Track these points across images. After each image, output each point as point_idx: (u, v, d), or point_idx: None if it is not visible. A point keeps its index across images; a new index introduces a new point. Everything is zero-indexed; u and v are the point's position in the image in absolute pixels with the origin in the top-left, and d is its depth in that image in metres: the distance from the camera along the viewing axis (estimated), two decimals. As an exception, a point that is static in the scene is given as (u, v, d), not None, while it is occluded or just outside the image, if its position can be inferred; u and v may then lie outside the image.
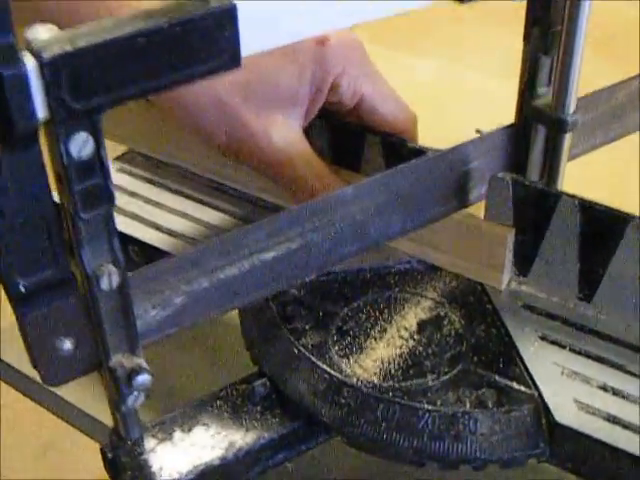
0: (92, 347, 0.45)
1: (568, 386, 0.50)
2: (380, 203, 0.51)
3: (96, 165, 0.39)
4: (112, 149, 0.70)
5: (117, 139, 0.70)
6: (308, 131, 0.59)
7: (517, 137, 0.56)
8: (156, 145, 0.68)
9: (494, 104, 0.61)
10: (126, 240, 0.62)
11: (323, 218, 0.49)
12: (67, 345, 0.44)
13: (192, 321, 0.48)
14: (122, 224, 0.62)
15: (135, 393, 0.46)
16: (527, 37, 0.54)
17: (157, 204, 0.64)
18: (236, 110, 0.55)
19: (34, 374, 0.44)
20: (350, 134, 0.61)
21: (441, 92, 0.95)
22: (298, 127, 0.57)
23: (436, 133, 0.60)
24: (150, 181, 0.67)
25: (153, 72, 0.37)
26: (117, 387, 0.45)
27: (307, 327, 0.55)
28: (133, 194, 0.65)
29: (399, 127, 0.60)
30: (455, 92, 0.96)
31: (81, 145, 0.38)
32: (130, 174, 0.68)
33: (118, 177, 0.67)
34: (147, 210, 0.64)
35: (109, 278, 0.42)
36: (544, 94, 0.55)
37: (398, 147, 0.59)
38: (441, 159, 0.53)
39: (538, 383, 0.50)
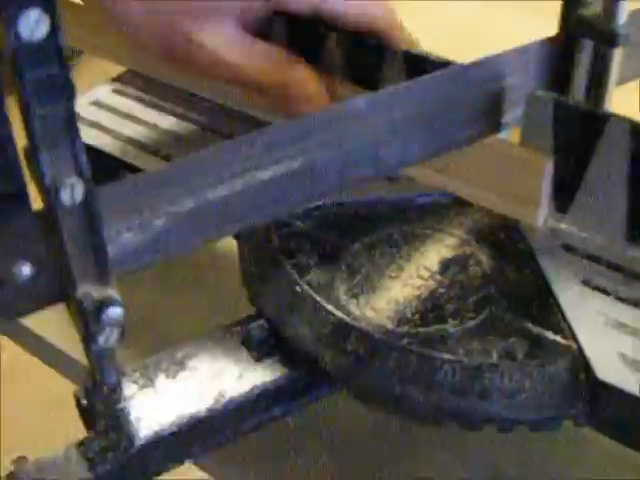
0: (55, 274, 0.39)
1: (612, 338, 0.43)
2: (397, 119, 0.44)
3: (51, 50, 0.33)
4: (111, 70, 0.64)
5: (115, 59, 0.63)
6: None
7: (559, 51, 0.49)
8: (156, 65, 0.61)
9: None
10: (118, 165, 0.56)
11: (330, 133, 0.42)
12: (25, 271, 0.38)
13: (175, 248, 0.41)
14: (114, 147, 0.56)
15: (106, 329, 0.40)
16: None
17: (154, 127, 0.58)
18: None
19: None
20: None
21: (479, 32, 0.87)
22: (234, 24, 0.53)
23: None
24: (149, 103, 0.60)
25: None
26: (85, 322, 0.39)
27: (312, 263, 0.48)
28: (127, 115, 0.59)
29: (374, 26, 0.53)
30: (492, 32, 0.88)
31: (33, 25, 0.33)
32: (126, 95, 0.61)
33: (111, 98, 0.61)
34: (143, 134, 0.57)
35: (71, 190, 0.36)
36: (592, 2, 0.47)
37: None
38: (470, 72, 0.46)
39: (577, 333, 0.43)
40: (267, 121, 0.56)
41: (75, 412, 0.47)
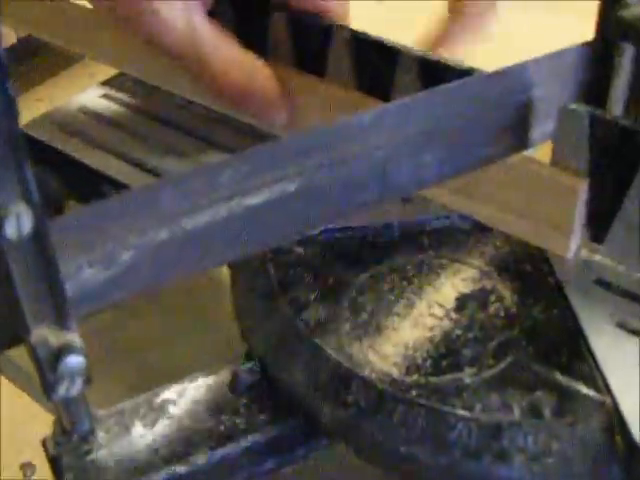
0: (5, 315, 0.33)
1: (654, 393, 0.37)
2: (410, 136, 0.38)
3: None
4: (103, 72, 0.58)
5: (106, 61, 0.58)
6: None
7: (597, 58, 0.42)
8: (149, 68, 0.56)
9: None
10: (101, 179, 0.50)
11: (332, 152, 0.37)
12: (-32, 313, 0.33)
13: (146, 284, 0.36)
14: (95, 159, 0.51)
15: (66, 379, 0.34)
16: None
17: (142, 137, 0.52)
18: None
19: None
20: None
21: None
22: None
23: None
24: (138, 110, 0.55)
25: None
26: (40, 371, 0.34)
27: (311, 297, 0.42)
28: (114, 124, 0.53)
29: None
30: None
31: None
32: (115, 101, 0.56)
33: (100, 104, 0.55)
34: (129, 143, 0.52)
35: (17, 221, 0.31)
36: (634, 2, 0.41)
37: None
38: (494, 82, 0.40)
39: (613, 387, 0.37)
40: (264, 131, 0.51)
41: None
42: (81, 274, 0.34)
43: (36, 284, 0.32)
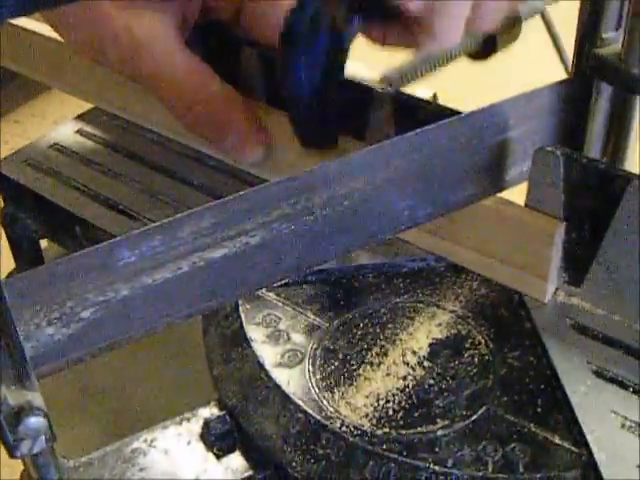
0: (-38, 376, 0.33)
1: (630, 445, 0.36)
2: (380, 182, 0.37)
3: None
4: (76, 106, 0.57)
5: (81, 95, 0.57)
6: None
7: (572, 97, 0.42)
8: (124, 102, 0.55)
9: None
10: (75, 220, 0.49)
11: (297, 201, 0.36)
12: None
13: (109, 341, 0.35)
14: (68, 199, 0.50)
15: (27, 439, 0.33)
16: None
17: (115, 175, 0.51)
18: (97, 5, 0.46)
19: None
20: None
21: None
22: (168, 24, 0.47)
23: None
24: (112, 146, 0.54)
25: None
26: (1, 431, 0.33)
27: (282, 344, 0.41)
28: (87, 162, 0.52)
29: None
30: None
31: None
32: (88, 137, 0.55)
33: (73, 140, 0.55)
34: (101, 182, 0.51)
35: (-32, 285, 0.30)
36: (611, 40, 0.40)
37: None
38: (468, 123, 0.39)
39: (589, 439, 0.36)
40: (241, 169, 0.50)
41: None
42: (40, 333, 0.33)
43: (-8, 345, 0.32)
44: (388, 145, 0.37)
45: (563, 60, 0.53)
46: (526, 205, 0.42)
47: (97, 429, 0.46)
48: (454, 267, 0.45)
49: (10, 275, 0.56)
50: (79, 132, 0.55)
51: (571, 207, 0.41)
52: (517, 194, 0.43)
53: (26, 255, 0.55)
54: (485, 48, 0.47)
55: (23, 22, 0.55)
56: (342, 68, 0.43)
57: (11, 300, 0.31)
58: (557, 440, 0.37)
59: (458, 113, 0.43)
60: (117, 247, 0.33)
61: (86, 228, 0.48)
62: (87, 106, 0.58)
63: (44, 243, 0.57)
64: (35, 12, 0.26)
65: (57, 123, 0.64)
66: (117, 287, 0.34)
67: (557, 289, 0.43)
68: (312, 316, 0.43)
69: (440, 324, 0.42)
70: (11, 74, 0.60)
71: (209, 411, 0.42)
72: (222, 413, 0.41)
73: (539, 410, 0.38)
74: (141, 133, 0.54)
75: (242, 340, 0.42)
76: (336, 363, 0.40)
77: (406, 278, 0.45)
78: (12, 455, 0.34)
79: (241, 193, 0.35)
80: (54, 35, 0.55)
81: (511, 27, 0.50)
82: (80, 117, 0.56)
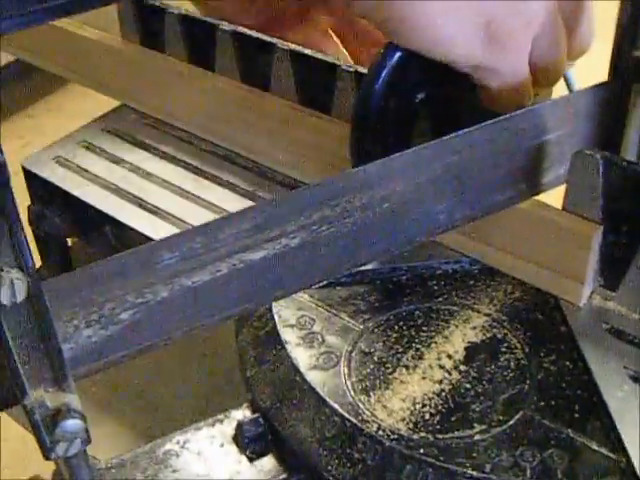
0: (1, 378, 0.32)
1: (671, 451, 0.36)
2: (419, 185, 0.37)
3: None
4: (104, 103, 0.57)
5: (108, 92, 0.57)
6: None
7: (610, 101, 0.41)
8: (152, 99, 0.55)
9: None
10: (103, 218, 0.49)
11: (337, 203, 0.36)
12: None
13: (147, 343, 0.35)
14: (97, 198, 0.50)
15: (64, 441, 0.33)
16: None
17: (145, 174, 0.51)
18: None
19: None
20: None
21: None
22: None
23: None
24: (140, 145, 0.54)
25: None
26: (37, 434, 0.33)
27: (317, 346, 0.41)
28: (116, 160, 0.52)
29: None
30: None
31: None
32: (117, 135, 0.55)
33: (102, 138, 0.54)
34: (131, 181, 0.50)
35: (11, 288, 0.30)
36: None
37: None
38: (506, 127, 0.39)
39: (627, 445, 0.36)
40: (267, 166, 0.50)
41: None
42: (79, 335, 0.33)
43: (32, 347, 0.31)
44: (427, 148, 0.37)
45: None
46: (563, 208, 0.41)
47: (128, 429, 0.46)
48: (488, 270, 0.44)
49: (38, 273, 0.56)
50: (107, 130, 0.55)
51: (609, 210, 0.40)
52: (553, 198, 0.42)
53: (53, 253, 0.54)
54: None
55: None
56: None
57: (50, 302, 0.31)
58: (595, 446, 0.37)
59: (497, 115, 0.43)
60: (157, 249, 0.33)
61: (116, 227, 0.48)
62: (105, 100, 0.57)
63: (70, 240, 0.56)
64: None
65: (73, 118, 0.63)
66: (156, 289, 0.34)
67: (593, 292, 0.42)
68: (346, 318, 0.42)
69: (475, 327, 0.42)
70: (27, 69, 0.60)
71: (242, 413, 0.41)
72: (256, 415, 0.41)
73: (576, 415, 0.38)
74: (169, 131, 0.54)
75: (276, 342, 0.41)
76: (371, 366, 0.40)
77: (440, 280, 0.44)
78: (47, 457, 0.34)
79: (282, 195, 0.34)
80: (76, 29, 0.55)
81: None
82: (107, 115, 0.56)
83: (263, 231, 0.34)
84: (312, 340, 0.41)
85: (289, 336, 0.42)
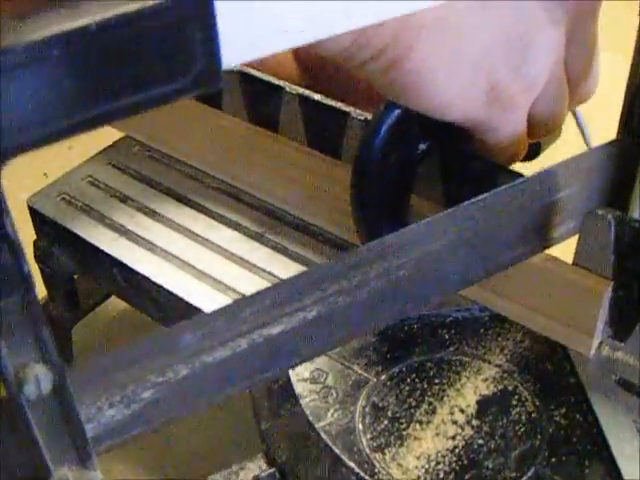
0: (25, 457, 0.33)
1: (681, 511, 0.37)
2: (436, 249, 0.37)
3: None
4: (105, 135, 0.57)
5: (113, 123, 0.56)
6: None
7: (621, 157, 0.41)
8: (157, 132, 0.55)
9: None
10: (110, 260, 0.49)
11: (354, 275, 0.36)
12: (-11, 459, 0.32)
13: (168, 418, 0.35)
14: (105, 239, 0.49)
15: (87, 519, 0.34)
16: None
17: (151, 213, 0.51)
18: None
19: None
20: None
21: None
22: None
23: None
24: (146, 180, 0.53)
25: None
26: (61, 511, 0.33)
27: (331, 401, 0.42)
28: (123, 198, 0.52)
29: None
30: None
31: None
32: (122, 170, 0.54)
33: (107, 173, 0.54)
34: (138, 221, 0.50)
35: (37, 383, 0.30)
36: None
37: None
38: (520, 189, 0.39)
39: (639, 504, 0.37)
40: (275, 205, 0.50)
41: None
42: (101, 415, 0.33)
43: (57, 429, 0.32)
44: (442, 217, 0.37)
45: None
46: (574, 263, 0.42)
47: (144, 471, 0.46)
48: (498, 317, 0.45)
49: (45, 306, 0.56)
50: (112, 164, 0.54)
51: (620, 267, 0.41)
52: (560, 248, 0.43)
53: (60, 288, 0.54)
54: (530, 149, 0.47)
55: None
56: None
57: (74, 387, 0.31)
58: (607, 505, 0.37)
59: (510, 171, 0.43)
60: (179, 332, 0.33)
61: (124, 270, 0.48)
62: (107, 131, 0.57)
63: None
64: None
65: (71, 148, 0.63)
66: (177, 368, 0.34)
67: (601, 342, 0.43)
68: (359, 370, 0.43)
69: (486, 379, 0.42)
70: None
71: (257, 465, 0.42)
72: (272, 470, 0.41)
73: (587, 471, 0.39)
74: (175, 166, 0.54)
75: (290, 396, 0.42)
76: (385, 421, 0.41)
77: (451, 329, 0.45)
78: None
79: (300, 272, 0.35)
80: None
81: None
82: (111, 148, 0.56)
83: (282, 307, 0.35)
84: (326, 395, 0.42)
85: (303, 390, 0.42)
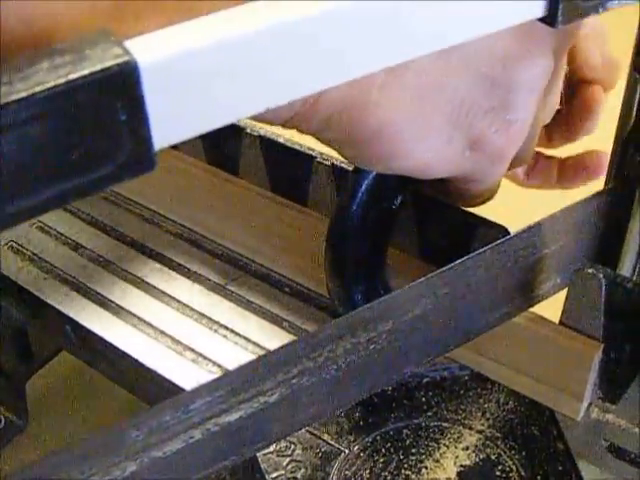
0: None
1: None
2: (408, 322, 0.34)
3: None
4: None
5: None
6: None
7: (611, 209, 0.38)
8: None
9: None
10: (62, 317, 0.45)
11: (320, 354, 0.32)
12: None
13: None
14: (55, 293, 0.46)
15: None
16: (638, 60, 0.36)
17: (105, 263, 0.47)
18: None
19: None
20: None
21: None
22: None
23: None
24: (99, 226, 0.49)
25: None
26: None
27: (299, 477, 0.38)
28: (74, 247, 0.48)
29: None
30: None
31: None
32: (73, 213, 0.50)
33: (57, 218, 0.50)
34: (91, 273, 0.47)
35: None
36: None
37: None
38: (503, 250, 0.35)
39: None
40: (241, 255, 0.46)
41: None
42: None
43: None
44: (418, 284, 0.33)
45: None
46: (560, 322, 0.39)
47: None
48: (479, 376, 0.42)
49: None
50: (63, 208, 0.51)
51: (610, 328, 0.37)
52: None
53: (12, 345, 0.51)
54: None
55: None
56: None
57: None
58: None
59: (489, 222, 0.40)
60: (123, 429, 0.30)
61: (77, 328, 0.44)
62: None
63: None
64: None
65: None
66: (124, 465, 0.30)
67: (590, 404, 0.40)
68: (330, 441, 0.39)
69: (467, 447, 0.39)
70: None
71: None
72: None
73: None
74: (131, 209, 0.50)
75: (256, 472, 0.38)
76: (358, 500, 0.37)
77: (428, 391, 0.41)
78: None
79: (259, 356, 0.31)
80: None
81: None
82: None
83: (238, 394, 0.31)
84: (294, 470, 0.38)
85: (269, 465, 0.39)
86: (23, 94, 0.20)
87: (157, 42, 0.22)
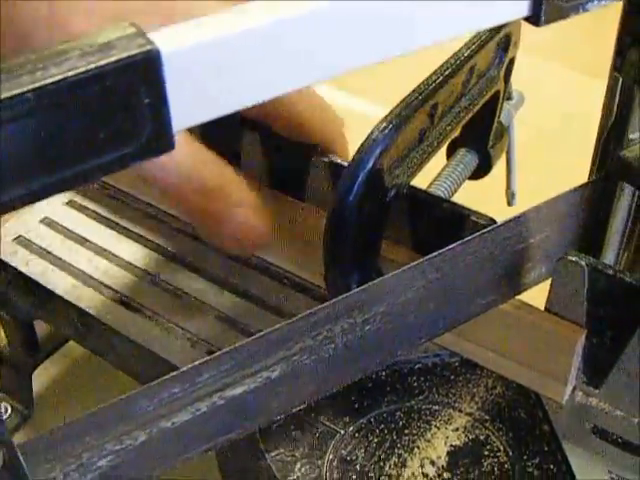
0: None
1: None
2: (401, 304, 0.36)
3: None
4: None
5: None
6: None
7: (594, 199, 0.40)
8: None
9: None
10: (68, 306, 0.47)
11: (319, 332, 0.34)
12: None
13: (129, 483, 0.33)
14: (64, 285, 0.48)
15: None
16: (618, 60, 0.38)
17: (111, 256, 0.49)
18: None
19: None
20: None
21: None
22: None
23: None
24: (104, 221, 0.52)
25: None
26: None
27: (298, 455, 0.40)
28: (80, 240, 0.50)
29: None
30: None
31: None
32: (79, 209, 0.53)
33: (64, 213, 0.52)
34: (97, 265, 0.49)
35: (-14, 461, 0.28)
36: (637, 141, 0.39)
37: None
38: (493, 237, 0.38)
39: None
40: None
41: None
42: (56, 485, 0.32)
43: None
44: (411, 269, 0.36)
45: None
46: (546, 309, 0.41)
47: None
48: (468, 362, 0.44)
49: (1, 352, 0.54)
50: (69, 204, 0.53)
51: (593, 315, 0.40)
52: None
53: (19, 337, 0.53)
54: (481, 165, 0.46)
55: None
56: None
57: (27, 463, 0.30)
58: None
59: (478, 213, 0.42)
60: (135, 399, 0.32)
61: (83, 316, 0.46)
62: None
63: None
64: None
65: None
66: (135, 434, 0.32)
67: (574, 388, 0.42)
68: (327, 422, 0.41)
69: (457, 429, 0.41)
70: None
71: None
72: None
73: (562, 529, 0.37)
74: (135, 206, 0.52)
75: (256, 451, 0.40)
76: (354, 476, 0.39)
77: (420, 376, 0.43)
78: None
79: (261, 333, 0.33)
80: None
81: (500, 138, 0.49)
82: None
83: (243, 368, 0.33)
84: (293, 449, 0.40)
85: (269, 445, 0.40)
86: (58, 77, 0.22)
87: (177, 34, 0.24)
